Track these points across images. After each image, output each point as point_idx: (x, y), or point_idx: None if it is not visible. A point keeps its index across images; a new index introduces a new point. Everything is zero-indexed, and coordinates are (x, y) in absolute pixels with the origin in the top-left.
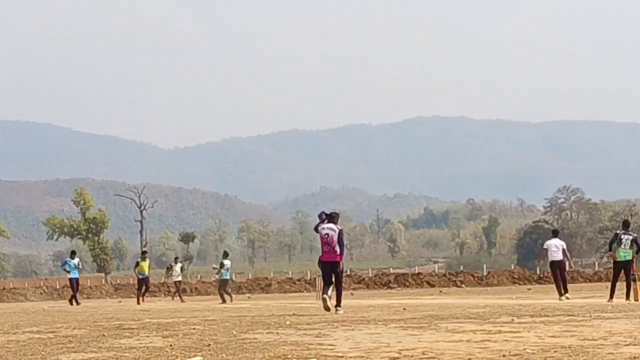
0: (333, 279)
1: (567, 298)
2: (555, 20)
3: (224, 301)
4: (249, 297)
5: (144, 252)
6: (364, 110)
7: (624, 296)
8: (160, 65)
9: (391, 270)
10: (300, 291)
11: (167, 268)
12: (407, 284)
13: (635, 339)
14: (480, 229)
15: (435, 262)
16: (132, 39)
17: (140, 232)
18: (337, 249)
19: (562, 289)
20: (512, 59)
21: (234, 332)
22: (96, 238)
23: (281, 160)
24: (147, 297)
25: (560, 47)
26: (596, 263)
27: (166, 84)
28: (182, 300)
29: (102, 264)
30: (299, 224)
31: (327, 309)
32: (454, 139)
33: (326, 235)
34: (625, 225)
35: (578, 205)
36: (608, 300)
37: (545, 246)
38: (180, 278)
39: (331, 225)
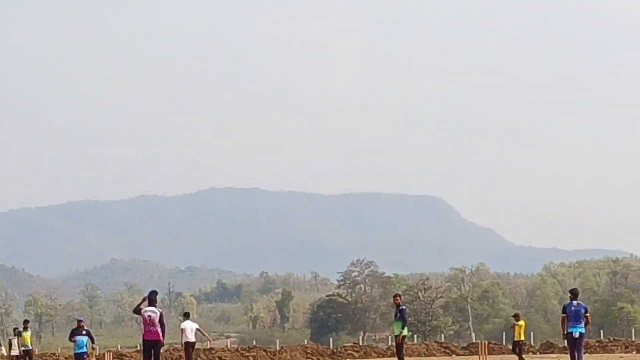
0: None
1: None
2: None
3: None
4: None
5: (26, 322)
6: (156, 182)
7: None
8: None
9: None
10: None
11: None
12: (200, 359)
13: None
14: (274, 302)
15: (228, 337)
16: None
17: None
18: (159, 329)
19: None
20: (303, 135)
21: None
22: None
23: (71, 232)
24: None
25: (356, 123)
26: (390, 338)
27: None
28: None
29: None
30: (88, 297)
31: None
32: (248, 210)
33: (149, 317)
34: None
35: (372, 279)
36: None
37: (182, 327)
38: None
39: (153, 308)
